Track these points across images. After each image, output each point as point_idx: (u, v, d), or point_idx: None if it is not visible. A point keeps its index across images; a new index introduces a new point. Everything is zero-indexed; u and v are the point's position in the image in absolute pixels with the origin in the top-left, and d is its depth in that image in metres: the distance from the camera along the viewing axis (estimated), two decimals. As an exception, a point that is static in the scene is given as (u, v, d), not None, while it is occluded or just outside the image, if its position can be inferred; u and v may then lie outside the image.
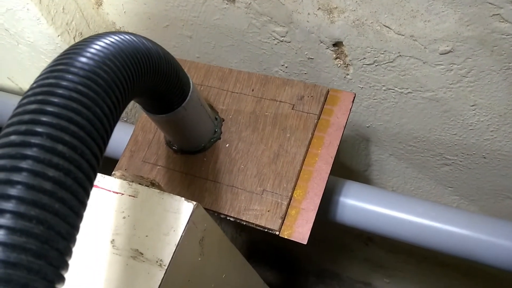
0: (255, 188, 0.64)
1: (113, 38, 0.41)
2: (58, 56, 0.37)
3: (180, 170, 0.69)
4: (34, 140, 0.30)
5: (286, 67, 0.88)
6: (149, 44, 0.47)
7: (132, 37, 0.44)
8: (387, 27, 0.69)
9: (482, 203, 0.95)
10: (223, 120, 0.70)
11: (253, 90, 0.71)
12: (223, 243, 0.60)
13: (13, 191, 0.28)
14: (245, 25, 0.83)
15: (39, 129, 0.30)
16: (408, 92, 0.79)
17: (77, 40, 0.90)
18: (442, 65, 0.70)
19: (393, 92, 0.80)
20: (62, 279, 0.29)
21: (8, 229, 0.27)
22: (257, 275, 0.75)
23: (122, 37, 0.43)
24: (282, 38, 0.82)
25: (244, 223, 0.63)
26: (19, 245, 0.27)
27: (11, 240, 0.27)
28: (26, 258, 0.27)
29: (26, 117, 0.31)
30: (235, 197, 0.64)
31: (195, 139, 0.67)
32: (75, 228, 0.31)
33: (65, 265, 0.29)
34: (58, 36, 0.86)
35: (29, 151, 0.29)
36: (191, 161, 0.69)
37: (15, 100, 1.02)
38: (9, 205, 0.27)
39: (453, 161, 0.89)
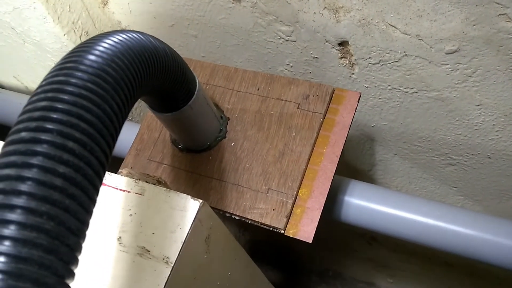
0: (261, 187, 0.64)
1: (121, 36, 0.41)
2: (67, 54, 0.38)
3: (186, 168, 0.69)
4: (44, 136, 0.30)
5: (292, 66, 0.89)
6: (157, 42, 0.47)
7: (140, 35, 0.45)
8: (393, 26, 0.69)
9: (486, 203, 0.95)
10: (229, 119, 0.70)
11: (258, 89, 0.71)
12: (228, 241, 0.60)
13: (24, 187, 0.28)
14: (251, 25, 0.84)
15: (49, 125, 0.31)
16: (414, 92, 0.79)
17: (83, 39, 0.91)
18: (448, 64, 0.70)
19: (398, 91, 0.80)
20: (72, 275, 0.29)
21: (19, 224, 0.27)
22: (262, 274, 0.75)
23: (129, 35, 0.43)
24: (288, 37, 0.82)
25: (249, 222, 0.63)
26: (30, 240, 0.27)
27: (22, 235, 0.27)
28: (37, 253, 0.27)
29: (36, 114, 0.31)
30: (240, 196, 0.65)
31: (201, 138, 0.68)
32: (85, 224, 0.31)
33: (75, 261, 0.30)
34: (64, 35, 0.87)
35: (39, 148, 0.30)
36: (197, 160, 0.69)
37: (21, 99, 1.03)
38: (20, 201, 0.28)
39: (458, 161, 0.88)
